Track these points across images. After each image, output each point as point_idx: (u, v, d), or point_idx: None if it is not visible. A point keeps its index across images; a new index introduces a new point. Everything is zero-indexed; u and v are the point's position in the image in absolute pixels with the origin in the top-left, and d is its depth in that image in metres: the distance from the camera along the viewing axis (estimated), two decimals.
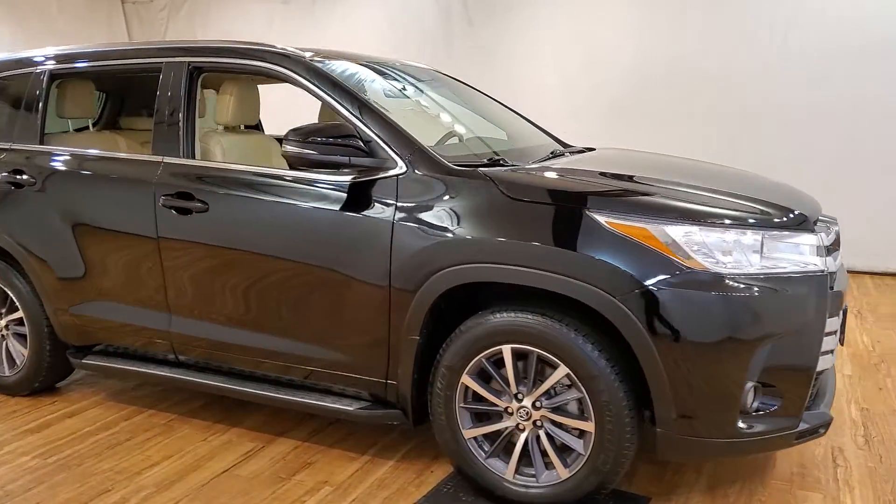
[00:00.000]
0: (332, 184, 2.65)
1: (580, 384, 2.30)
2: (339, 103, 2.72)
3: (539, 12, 6.84)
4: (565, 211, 2.34)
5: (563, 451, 2.42)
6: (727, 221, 2.27)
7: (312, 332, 2.76)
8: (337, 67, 2.92)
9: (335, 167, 2.59)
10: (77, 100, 3.53)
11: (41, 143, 3.38)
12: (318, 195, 2.68)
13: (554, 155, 3.07)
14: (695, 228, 2.22)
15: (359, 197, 2.59)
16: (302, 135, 2.53)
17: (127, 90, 4.21)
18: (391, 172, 2.57)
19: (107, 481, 2.76)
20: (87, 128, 4.00)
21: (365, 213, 2.57)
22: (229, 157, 3.17)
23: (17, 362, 3.55)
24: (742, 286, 2.18)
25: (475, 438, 2.53)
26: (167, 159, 3.00)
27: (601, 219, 2.26)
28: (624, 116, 6.50)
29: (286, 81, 2.87)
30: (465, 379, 2.48)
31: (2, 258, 3.46)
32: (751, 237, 2.24)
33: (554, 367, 2.34)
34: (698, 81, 6.26)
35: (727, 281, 2.18)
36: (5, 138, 3.46)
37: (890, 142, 5.72)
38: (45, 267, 3.28)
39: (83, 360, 3.33)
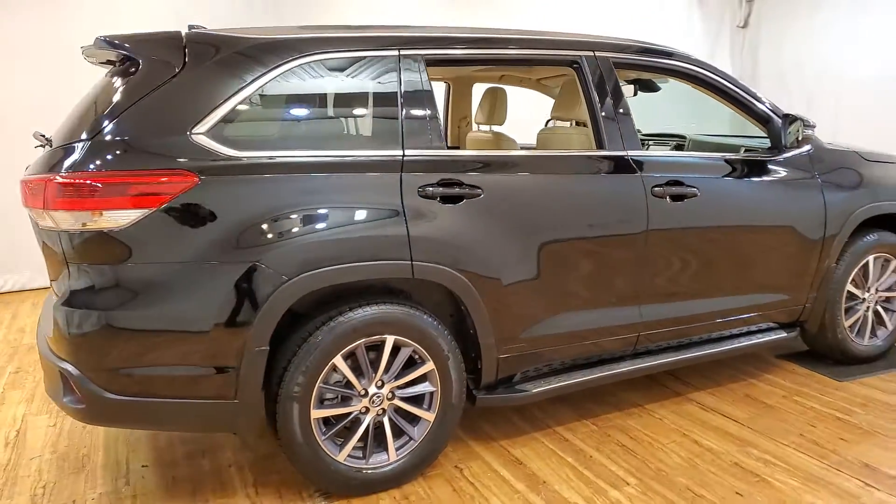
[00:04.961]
0: (781, 161, 3.39)
1: None
2: (753, 98, 3.41)
3: (351, 2, 6.92)
4: None
5: None
6: None
7: (761, 283, 3.38)
8: None
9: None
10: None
11: (448, 146, 2.70)
12: (779, 171, 3.37)
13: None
14: None
15: (794, 167, 3.42)
16: None
17: None
18: (804, 150, 3.48)
19: None
20: None
21: (802, 180, 3.43)
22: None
23: (413, 438, 2.69)
24: None
25: None
26: (629, 154, 3.01)
27: None
28: None
29: (692, 81, 3.31)
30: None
31: (393, 297, 2.60)
32: None
33: None
34: None
35: None
36: (382, 143, 2.58)
37: None
38: (501, 291, 2.71)
39: (535, 391, 2.87)
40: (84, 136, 2.30)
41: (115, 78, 2.49)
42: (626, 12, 8.34)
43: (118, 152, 2.26)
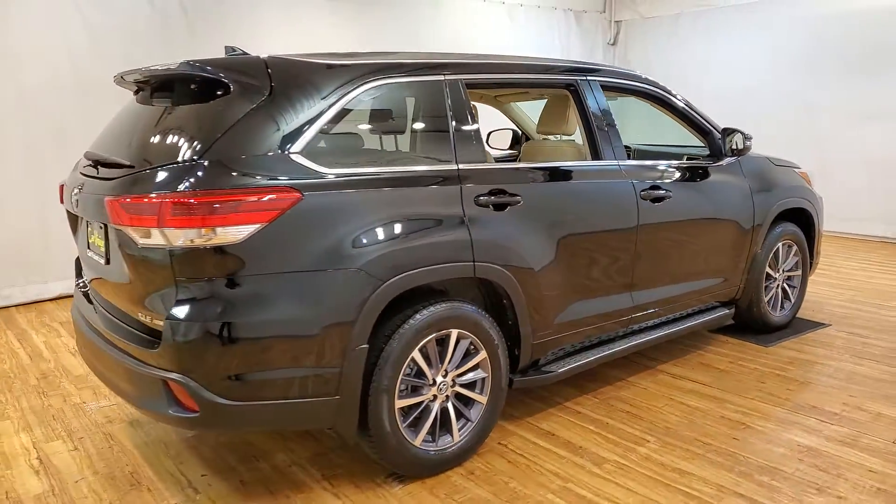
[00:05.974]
0: (722, 167, 4.08)
1: None
2: (699, 115, 4.08)
3: (263, 17, 6.93)
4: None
5: None
6: None
7: (714, 268, 4.06)
8: None
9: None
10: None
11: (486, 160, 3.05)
12: (721, 175, 4.06)
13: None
14: None
15: (731, 172, 4.14)
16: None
17: None
18: (736, 157, 4.21)
19: None
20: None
21: (738, 182, 4.15)
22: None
23: (471, 419, 3.02)
24: None
25: None
26: (621, 162, 3.54)
27: None
28: None
29: (655, 100, 3.92)
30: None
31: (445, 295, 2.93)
32: None
33: None
34: None
35: None
36: (440, 158, 2.89)
37: None
38: (535, 285, 3.11)
39: (559, 371, 3.31)
40: (186, 157, 2.41)
41: (193, 103, 2.61)
42: (513, 29, 9.04)
43: (228, 172, 2.40)
